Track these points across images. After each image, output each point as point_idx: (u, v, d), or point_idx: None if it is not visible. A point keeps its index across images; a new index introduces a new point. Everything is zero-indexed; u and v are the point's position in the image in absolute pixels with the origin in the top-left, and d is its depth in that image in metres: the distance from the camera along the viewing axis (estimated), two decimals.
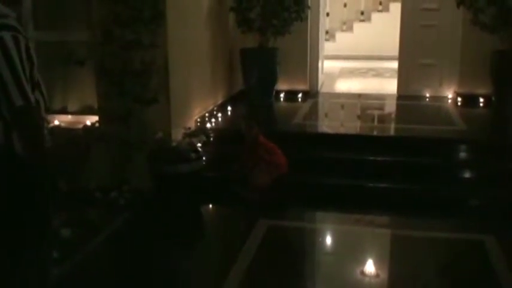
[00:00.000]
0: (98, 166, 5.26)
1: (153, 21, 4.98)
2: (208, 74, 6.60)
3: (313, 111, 7.35)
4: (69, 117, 5.88)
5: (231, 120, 6.58)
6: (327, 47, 9.61)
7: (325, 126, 6.80)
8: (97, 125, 5.34)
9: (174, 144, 5.20)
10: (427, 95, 7.77)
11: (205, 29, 6.46)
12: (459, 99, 7.38)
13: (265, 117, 6.81)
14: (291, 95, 7.69)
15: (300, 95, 7.68)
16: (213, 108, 6.60)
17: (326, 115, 7.47)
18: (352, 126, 6.58)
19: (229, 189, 5.22)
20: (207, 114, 6.28)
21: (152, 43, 4.98)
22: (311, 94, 7.93)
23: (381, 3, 12.51)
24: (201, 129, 5.62)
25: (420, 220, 4.91)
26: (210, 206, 5.43)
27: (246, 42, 7.40)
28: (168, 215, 4.99)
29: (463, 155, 5.66)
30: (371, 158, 5.53)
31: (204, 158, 5.17)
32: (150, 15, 4.96)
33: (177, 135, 5.33)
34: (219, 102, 6.94)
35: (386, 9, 12.39)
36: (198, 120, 6.06)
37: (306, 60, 7.94)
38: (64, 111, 5.91)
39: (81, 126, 5.38)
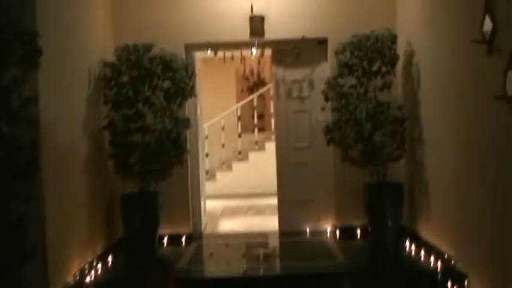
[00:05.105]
0: None
1: (27, 173, 4.81)
2: (85, 223, 6.36)
3: (198, 254, 7.25)
4: None
5: (112, 271, 6.32)
6: (208, 186, 9.74)
7: (211, 270, 6.71)
8: None
9: None
10: (307, 229, 7.98)
11: (83, 178, 6.33)
12: (337, 232, 7.65)
13: (149, 264, 6.61)
14: (175, 239, 7.56)
15: (183, 239, 7.59)
16: (93, 259, 6.30)
17: (211, 255, 7.40)
18: (237, 268, 6.54)
19: None
20: (86, 267, 5.98)
21: (28, 194, 4.77)
22: (195, 237, 7.87)
23: (256, 143, 13.06)
24: (79, 284, 5.31)
25: None
26: None
27: (127, 187, 7.31)
28: None
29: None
30: None
31: None
32: (24, 165, 4.79)
33: None
34: (99, 252, 6.65)
35: (262, 148, 12.93)
36: (77, 274, 5.75)
37: (188, 202, 7.95)
38: None
39: None
